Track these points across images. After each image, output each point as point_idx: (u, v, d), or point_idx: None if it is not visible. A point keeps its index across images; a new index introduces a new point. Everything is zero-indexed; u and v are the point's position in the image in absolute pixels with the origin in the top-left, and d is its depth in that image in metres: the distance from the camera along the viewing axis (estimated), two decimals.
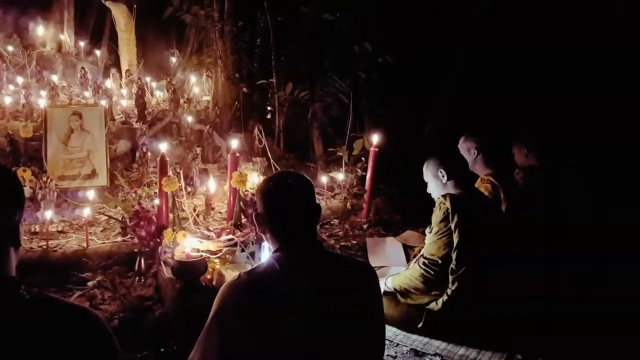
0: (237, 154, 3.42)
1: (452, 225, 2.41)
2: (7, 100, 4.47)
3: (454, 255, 2.42)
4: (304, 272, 1.40)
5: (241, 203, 3.28)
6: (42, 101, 4.45)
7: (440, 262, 2.46)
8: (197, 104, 5.48)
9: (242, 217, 3.29)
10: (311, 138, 5.24)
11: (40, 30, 6.37)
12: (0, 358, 0.96)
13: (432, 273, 2.47)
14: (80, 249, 3.06)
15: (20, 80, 5.24)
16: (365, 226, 3.82)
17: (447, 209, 2.43)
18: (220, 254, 2.87)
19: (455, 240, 2.41)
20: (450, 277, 2.43)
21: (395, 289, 2.62)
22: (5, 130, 4.07)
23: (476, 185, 2.93)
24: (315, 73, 5.16)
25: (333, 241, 3.51)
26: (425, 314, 2.51)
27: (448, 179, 2.54)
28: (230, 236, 3.07)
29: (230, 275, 2.70)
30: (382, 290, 2.58)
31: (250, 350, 1.29)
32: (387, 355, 2.41)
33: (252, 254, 2.87)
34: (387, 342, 2.47)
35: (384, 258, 3.21)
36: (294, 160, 4.98)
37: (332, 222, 3.88)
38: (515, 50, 5.13)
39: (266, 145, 4.43)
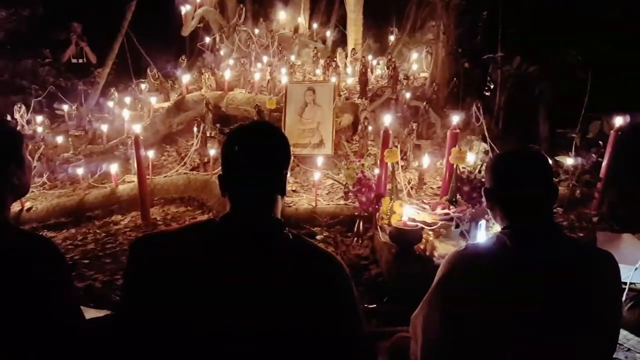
0: (458, 130, 3.40)
1: None
2: (256, 76, 5.24)
3: None
4: (537, 254, 1.31)
5: (457, 180, 3.27)
6: (283, 77, 5.11)
7: None
8: (415, 80, 5.56)
9: (457, 194, 3.28)
10: (537, 117, 4.83)
11: (281, 15, 7.27)
12: (267, 280, 1.18)
13: None
14: (310, 207, 3.48)
15: (265, 59, 6.09)
16: (595, 219, 3.42)
17: None
18: (435, 226, 2.93)
19: None
20: None
21: None
22: (254, 101, 4.79)
23: None
24: (546, 45, 4.69)
25: None
26: None
27: None
28: (446, 210, 3.09)
29: (443, 248, 2.76)
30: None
31: (471, 322, 1.29)
32: (616, 357, 2.17)
33: (467, 231, 2.86)
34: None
35: (617, 257, 2.80)
36: (514, 140, 4.67)
37: (555, 210, 3.57)
38: None
39: (483, 124, 4.27)
